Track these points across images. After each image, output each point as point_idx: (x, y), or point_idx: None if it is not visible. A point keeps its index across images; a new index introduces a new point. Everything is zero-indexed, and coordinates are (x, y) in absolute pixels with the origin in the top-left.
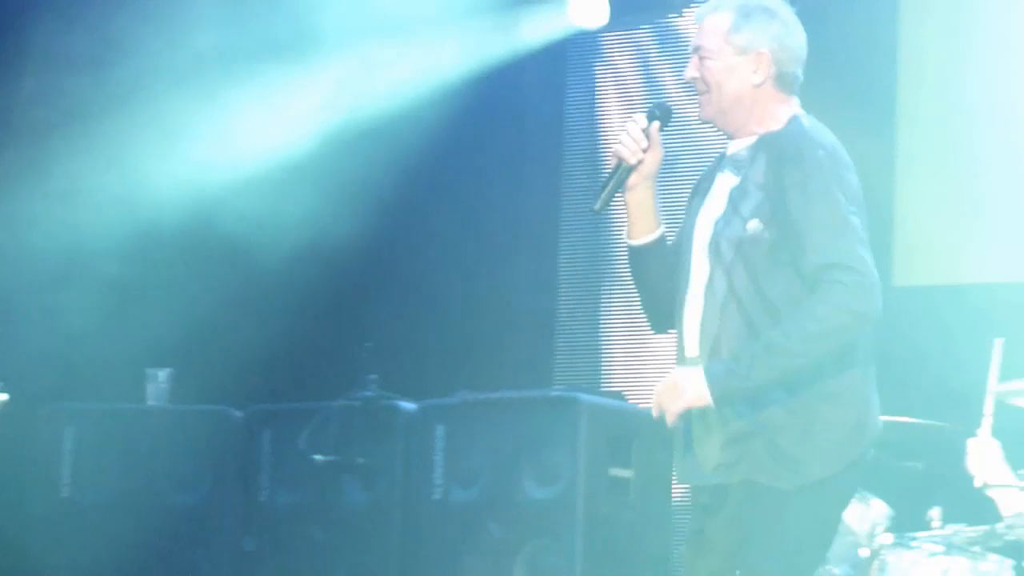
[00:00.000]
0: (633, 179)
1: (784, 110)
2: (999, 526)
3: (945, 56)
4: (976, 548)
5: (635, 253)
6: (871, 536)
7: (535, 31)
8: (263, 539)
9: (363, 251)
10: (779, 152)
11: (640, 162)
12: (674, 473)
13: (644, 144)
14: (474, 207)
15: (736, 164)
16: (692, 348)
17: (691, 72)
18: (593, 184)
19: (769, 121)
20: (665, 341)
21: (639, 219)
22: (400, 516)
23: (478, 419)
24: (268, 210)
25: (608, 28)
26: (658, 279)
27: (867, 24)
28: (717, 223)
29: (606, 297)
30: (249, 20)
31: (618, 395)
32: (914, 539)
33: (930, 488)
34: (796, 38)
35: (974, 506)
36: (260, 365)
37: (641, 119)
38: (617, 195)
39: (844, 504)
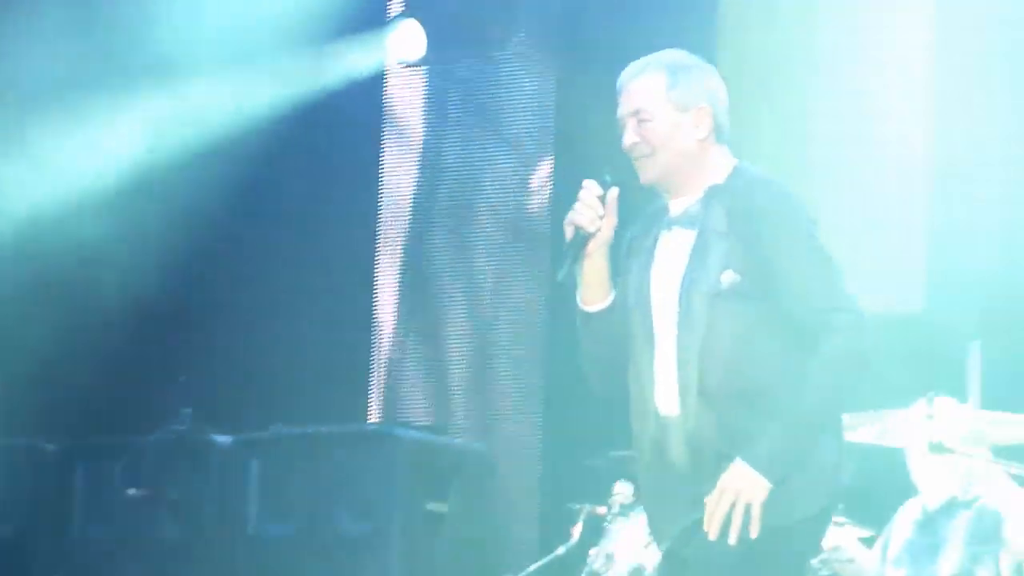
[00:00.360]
0: (590, 246)
1: (723, 160)
2: (814, 561)
3: (760, 103)
4: None
5: (589, 319)
6: None
7: (355, 63)
8: (76, 573)
9: (179, 284)
10: (744, 203)
11: (598, 230)
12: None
13: (600, 211)
14: (292, 240)
15: (688, 220)
16: (669, 406)
17: (631, 138)
18: (412, 215)
19: (712, 174)
20: (486, 374)
21: (593, 285)
22: (214, 551)
23: (294, 453)
24: (86, 242)
25: (427, 61)
26: (609, 343)
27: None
28: (684, 280)
29: (422, 331)
30: (71, 51)
31: (439, 428)
32: None
33: None
34: (724, 89)
35: None
36: (75, 398)
37: (594, 185)
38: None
39: (823, 538)
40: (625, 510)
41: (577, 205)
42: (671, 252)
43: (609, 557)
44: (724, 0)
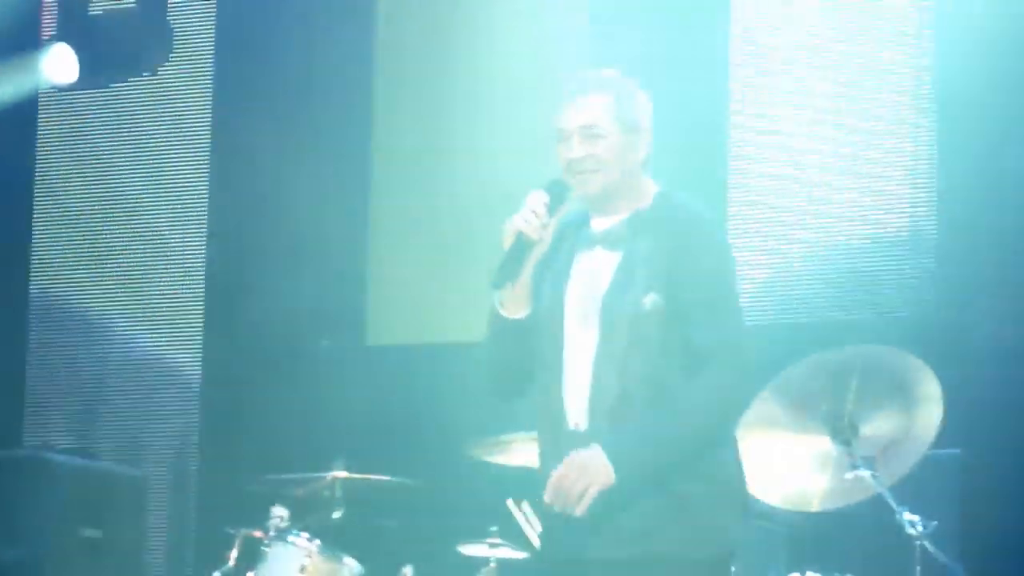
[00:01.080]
0: (532, 255)
1: (648, 186)
2: None
3: (417, 124)
4: None
5: (507, 327)
6: None
7: (6, 87)
8: None
9: None
10: (671, 230)
11: (540, 240)
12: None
13: (546, 221)
14: None
15: (612, 241)
16: (579, 420)
17: (579, 151)
18: (66, 238)
19: (640, 197)
20: (141, 398)
21: (521, 294)
22: None
23: None
24: None
25: (79, 86)
26: (525, 353)
27: (342, 91)
28: (606, 299)
29: (76, 354)
30: None
31: (91, 454)
32: None
33: (403, 545)
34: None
35: (447, 563)
36: None
37: (542, 195)
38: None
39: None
40: (282, 534)
41: (523, 212)
42: (591, 271)
43: None
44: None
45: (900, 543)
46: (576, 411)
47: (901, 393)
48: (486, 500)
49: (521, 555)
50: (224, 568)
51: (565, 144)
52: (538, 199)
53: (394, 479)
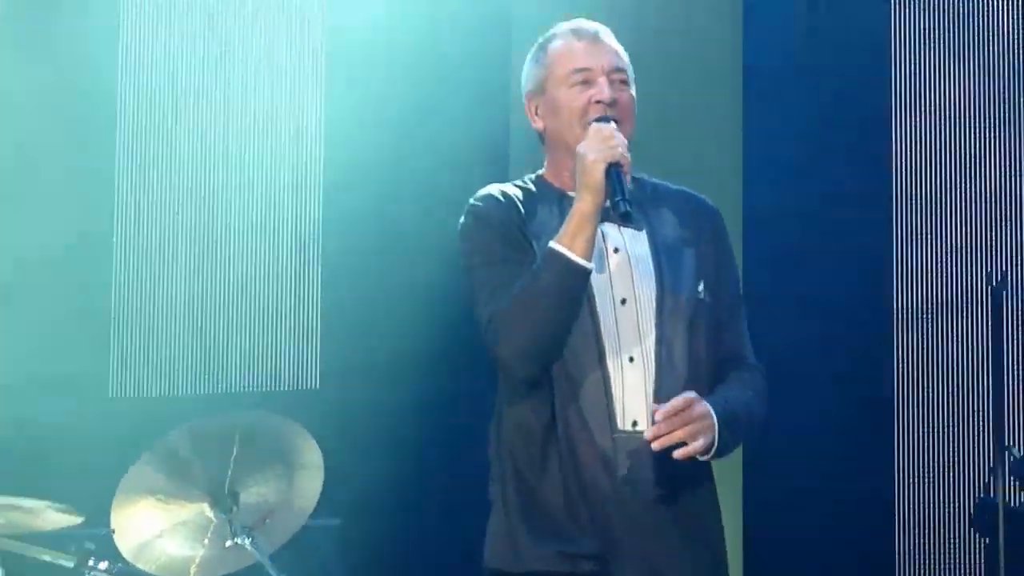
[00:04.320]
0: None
1: None
2: None
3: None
4: None
5: (579, 276)
6: None
7: None
8: None
9: None
10: (694, 209)
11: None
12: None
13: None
14: None
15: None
16: (639, 419)
17: (610, 95)
18: None
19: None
20: None
21: (591, 240)
22: None
23: None
24: None
25: None
26: (575, 316)
27: None
28: (661, 281)
29: None
30: None
31: None
32: None
33: None
34: None
35: None
36: None
37: (611, 124)
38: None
39: None
40: None
41: (601, 142)
42: (625, 252)
43: None
44: None
45: None
46: (637, 408)
47: (282, 460)
48: None
49: None
50: None
51: (592, 86)
52: (609, 127)
53: None
